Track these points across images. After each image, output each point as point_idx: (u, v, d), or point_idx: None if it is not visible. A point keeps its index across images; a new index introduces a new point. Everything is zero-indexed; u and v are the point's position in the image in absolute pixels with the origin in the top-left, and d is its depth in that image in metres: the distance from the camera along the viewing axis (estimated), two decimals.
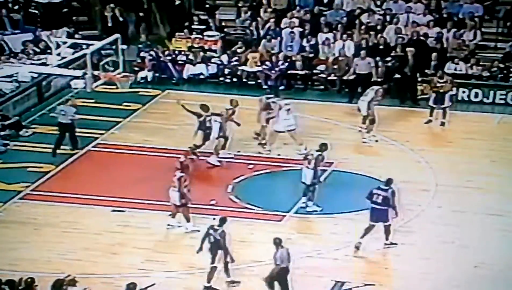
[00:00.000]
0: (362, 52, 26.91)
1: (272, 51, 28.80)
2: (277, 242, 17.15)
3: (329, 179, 21.94)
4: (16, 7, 30.39)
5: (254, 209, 20.64)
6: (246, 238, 19.46)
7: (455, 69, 27.62)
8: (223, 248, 17.47)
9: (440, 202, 21.02)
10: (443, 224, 20.04)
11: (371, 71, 26.98)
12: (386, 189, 18.84)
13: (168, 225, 19.67)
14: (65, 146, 23.68)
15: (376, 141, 23.96)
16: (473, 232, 19.75)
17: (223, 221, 17.63)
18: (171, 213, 19.64)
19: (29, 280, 16.07)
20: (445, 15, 29.47)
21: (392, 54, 27.96)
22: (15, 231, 19.79)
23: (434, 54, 27.78)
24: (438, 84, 25.09)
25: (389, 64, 27.69)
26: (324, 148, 20.83)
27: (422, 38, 28.17)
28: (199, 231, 19.01)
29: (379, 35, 28.56)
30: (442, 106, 25.10)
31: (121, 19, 30.67)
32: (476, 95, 27.14)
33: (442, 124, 25.11)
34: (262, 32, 29.58)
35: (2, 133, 24.30)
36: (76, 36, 29.19)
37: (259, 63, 28.20)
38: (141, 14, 31.58)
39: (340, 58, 28.14)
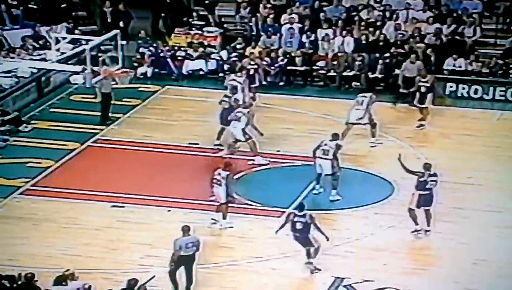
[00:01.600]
0: (413, 56, 26.27)
1: (272, 47, 28.84)
2: (185, 229, 17.21)
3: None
4: (16, 2, 30.35)
5: (253, 205, 20.68)
6: (245, 234, 19.52)
7: (454, 66, 27.70)
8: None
9: (440, 198, 21.02)
10: (442, 220, 20.08)
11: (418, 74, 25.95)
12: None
13: (212, 219, 19.75)
14: (64, 141, 23.74)
15: (381, 143, 23.92)
16: (473, 229, 19.82)
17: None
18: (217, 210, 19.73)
19: (29, 275, 16.14)
20: (444, 12, 29.53)
21: (391, 50, 28.04)
22: (15, 226, 19.83)
23: (428, 50, 27.80)
24: (420, 83, 25.01)
25: (388, 60, 27.78)
26: (336, 137, 21.06)
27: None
28: (232, 227, 19.49)
29: (378, 31, 28.61)
30: (423, 106, 24.93)
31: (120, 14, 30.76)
32: (476, 92, 27.20)
33: (421, 125, 24.81)
34: (261, 28, 29.64)
35: (2, 128, 24.33)
36: (76, 31, 29.18)
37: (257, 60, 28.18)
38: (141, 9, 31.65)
39: (339, 54, 28.20)
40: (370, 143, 23.90)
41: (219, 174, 19.57)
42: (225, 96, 23.39)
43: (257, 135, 22.61)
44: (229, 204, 19.71)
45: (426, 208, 19.42)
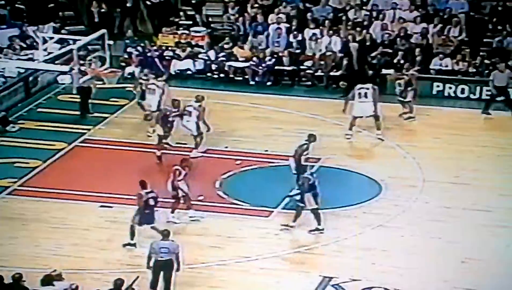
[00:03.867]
0: (501, 65, 26.01)
1: (259, 47, 28.81)
2: (165, 234, 17.12)
3: (317, 175, 21.94)
4: (2, 2, 30.25)
5: (241, 205, 20.66)
6: (234, 234, 19.49)
7: (441, 65, 27.76)
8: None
9: (427, 197, 21.11)
10: (430, 219, 20.13)
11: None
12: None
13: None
14: (51, 141, 23.66)
15: (383, 140, 24.01)
16: (461, 228, 19.85)
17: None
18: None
19: (16, 275, 16.05)
20: (431, 11, 29.58)
21: (379, 50, 28.08)
22: (3, 226, 19.73)
23: (417, 50, 27.88)
24: (398, 80, 25.10)
25: (376, 60, 27.82)
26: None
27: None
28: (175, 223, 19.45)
29: (364, 31, 28.63)
30: (406, 100, 25.04)
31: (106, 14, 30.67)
32: (463, 91, 27.24)
33: (409, 118, 25.04)
34: (248, 28, 29.63)
35: None
36: (63, 31, 29.09)
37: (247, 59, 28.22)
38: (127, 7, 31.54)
39: (327, 54, 28.20)
40: (377, 136, 23.98)
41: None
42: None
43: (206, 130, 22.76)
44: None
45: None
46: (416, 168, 22.49)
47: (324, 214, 20.31)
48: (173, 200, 19.81)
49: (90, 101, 25.49)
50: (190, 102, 22.89)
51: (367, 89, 23.92)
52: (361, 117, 23.95)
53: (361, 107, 23.85)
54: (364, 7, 30.03)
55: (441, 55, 27.82)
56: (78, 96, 25.29)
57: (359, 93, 23.90)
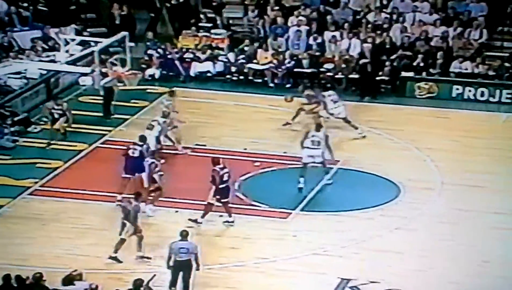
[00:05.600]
0: None
1: (279, 49, 28.87)
2: (184, 234, 17.23)
3: (335, 177, 22.03)
4: (25, 4, 30.44)
5: (260, 207, 20.72)
6: (251, 235, 19.55)
7: (461, 68, 27.73)
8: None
9: (445, 200, 21.09)
10: (447, 222, 20.13)
11: None
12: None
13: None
14: (73, 142, 23.82)
15: (364, 136, 24.16)
16: (477, 231, 19.81)
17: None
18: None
19: (37, 275, 16.19)
20: (451, 14, 29.54)
21: (398, 52, 28.09)
22: (24, 226, 19.90)
23: (440, 53, 27.89)
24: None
25: (395, 63, 27.83)
26: (320, 127, 21.62)
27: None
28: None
29: (384, 34, 28.63)
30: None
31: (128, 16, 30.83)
32: (482, 94, 27.18)
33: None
34: (268, 30, 29.69)
35: (11, 129, 24.41)
36: (84, 33, 29.25)
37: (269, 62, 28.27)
38: (151, 14, 31.72)
39: (346, 57, 28.22)
40: (358, 135, 24.07)
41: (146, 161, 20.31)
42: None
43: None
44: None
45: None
46: (435, 171, 22.48)
47: (342, 216, 20.40)
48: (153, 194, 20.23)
49: (112, 102, 25.65)
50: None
51: (336, 95, 24.28)
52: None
53: (339, 110, 24.12)
54: (384, 10, 30.03)
55: (460, 58, 27.79)
56: (101, 97, 25.45)
57: (332, 99, 24.14)
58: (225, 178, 19.65)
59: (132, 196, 18.80)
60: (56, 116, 23.88)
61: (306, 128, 22.17)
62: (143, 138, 21.24)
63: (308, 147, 21.39)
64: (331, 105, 24.16)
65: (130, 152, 20.86)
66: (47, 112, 24.33)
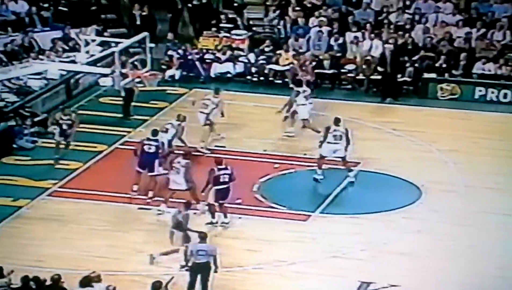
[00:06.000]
0: None
1: (300, 50, 28.75)
2: (202, 236, 17.16)
3: (356, 179, 21.88)
4: (46, 4, 30.53)
5: (279, 209, 20.62)
6: (270, 237, 19.44)
7: (484, 70, 27.50)
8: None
9: (467, 203, 20.90)
10: (469, 225, 19.93)
11: None
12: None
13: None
14: (92, 143, 23.81)
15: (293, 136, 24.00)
16: (500, 234, 19.60)
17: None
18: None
19: (56, 276, 16.16)
20: (474, 15, 29.32)
21: (420, 53, 27.91)
22: (42, 227, 19.90)
23: (463, 54, 27.69)
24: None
25: (417, 64, 27.66)
26: (338, 121, 21.62)
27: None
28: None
29: (407, 35, 28.44)
30: None
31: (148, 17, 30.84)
32: (505, 96, 26.94)
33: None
34: (289, 31, 29.58)
35: (31, 130, 24.43)
36: (105, 34, 29.28)
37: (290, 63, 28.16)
38: (169, 14, 31.71)
39: (368, 57, 28.06)
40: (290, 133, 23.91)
41: (179, 162, 19.89)
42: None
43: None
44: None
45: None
46: (457, 173, 22.29)
47: (362, 218, 20.26)
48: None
49: (132, 103, 25.64)
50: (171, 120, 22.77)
51: (308, 93, 23.92)
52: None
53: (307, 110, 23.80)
54: (406, 11, 29.86)
55: (483, 59, 27.57)
56: (121, 98, 25.45)
57: (305, 97, 23.79)
58: (223, 179, 19.41)
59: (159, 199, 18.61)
60: (64, 127, 22.96)
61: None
62: (155, 133, 21.29)
63: (330, 142, 21.37)
64: (301, 101, 23.73)
65: (146, 147, 20.91)
66: (53, 124, 23.51)
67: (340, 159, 21.61)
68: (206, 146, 23.42)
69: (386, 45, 27.96)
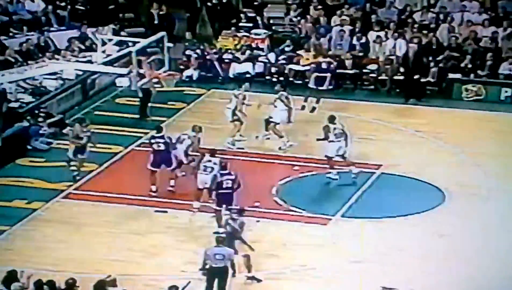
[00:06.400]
0: None
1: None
2: (220, 240, 17.10)
3: (378, 182, 21.88)
4: (63, 3, 30.67)
5: (299, 212, 20.62)
6: (290, 241, 19.43)
7: (510, 70, 27.38)
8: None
9: (492, 207, 20.81)
10: (494, 229, 19.83)
11: None
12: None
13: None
14: (108, 144, 23.89)
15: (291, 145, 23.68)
16: None
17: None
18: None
19: (70, 281, 16.17)
20: (501, 14, 29.20)
21: (445, 53, 27.83)
22: (57, 230, 19.97)
23: (489, 54, 27.59)
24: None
25: (442, 64, 27.58)
26: (333, 119, 21.76)
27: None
28: None
29: (431, 34, 28.35)
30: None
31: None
32: None
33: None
34: (310, 30, 29.58)
35: (46, 131, 24.52)
36: (122, 33, 29.39)
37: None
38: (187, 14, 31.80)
39: (391, 57, 28.00)
40: (283, 145, 23.48)
41: (210, 160, 19.90)
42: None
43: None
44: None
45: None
46: (482, 176, 22.21)
47: (384, 222, 20.22)
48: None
49: (149, 104, 25.73)
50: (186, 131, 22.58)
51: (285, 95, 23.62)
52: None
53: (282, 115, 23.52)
54: (431, 9, 29.79)
55: (510, 60, 27.45)
56: (138, 99, 25.53)
57: (282, 100, 23.48)
58: (226, 184, 19.21)
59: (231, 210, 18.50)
60: (84, 140, 21.94)
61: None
62: (159, 129, 21.52)
63: (333, 141, 21.51)
64: (279, 106, 23.52)
65: (155, 146, 21.09)
66: (74, 138, 22.21)
67: (342, 159, 21.73)
68: (233, 141, 23.42)
69: (410, 45, 27.90)
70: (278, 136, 23.42)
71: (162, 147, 21.18)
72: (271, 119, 23.52)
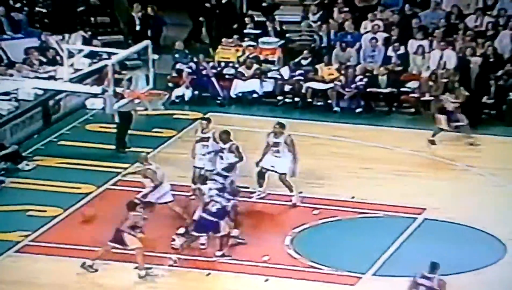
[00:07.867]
0: None
1: (348, 63, 28.93)
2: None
3: (420, 230, 21.96)
4: (18, 4, 30.91)
5: (320, 269, 20.66)
6: None
7: None
8: None
9: None
10: None
11: None
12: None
13: None
14: (76, 183, 24.00)
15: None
16: None
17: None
18: None
19: None
20: None
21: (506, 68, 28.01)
22: None
23: None
24: None
25: (502, 81, 27.74)
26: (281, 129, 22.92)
27: None
28: None
29: (487, 43, 28.53)
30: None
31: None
32: None
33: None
34: (334, 39, 29.80)
35: None
36: (94, 42, 29.60)
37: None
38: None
39: (437, 72, 28.16)
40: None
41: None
42: None
43: None
44: None
45: None
46: None
47: None
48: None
49: (128, 131, 25.87)
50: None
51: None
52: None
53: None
54: (488, 12, 29.99)
55: None
56: (115, 125, 25.66)
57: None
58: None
59: None
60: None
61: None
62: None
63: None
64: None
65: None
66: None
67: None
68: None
69: (473, 59, 27.95)
70: (289, 189, 23.29)
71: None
72: (273, 169, 23.37)
